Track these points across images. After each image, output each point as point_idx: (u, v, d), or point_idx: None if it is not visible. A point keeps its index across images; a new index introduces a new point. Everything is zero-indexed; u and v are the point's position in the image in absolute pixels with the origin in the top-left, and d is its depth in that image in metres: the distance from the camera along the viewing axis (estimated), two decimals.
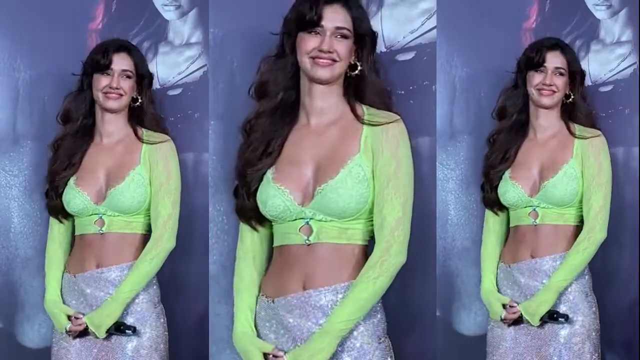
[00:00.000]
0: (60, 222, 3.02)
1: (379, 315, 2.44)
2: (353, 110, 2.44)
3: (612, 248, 3.19)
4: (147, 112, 3.03)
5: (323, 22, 2.39)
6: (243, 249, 2.53)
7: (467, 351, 3.27)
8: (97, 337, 2.90)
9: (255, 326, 2.46)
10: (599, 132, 3.03)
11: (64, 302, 2.97)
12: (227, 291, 3.11)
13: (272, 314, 2.42)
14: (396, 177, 2.38)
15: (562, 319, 2.94)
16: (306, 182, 2.40)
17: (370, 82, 2.47)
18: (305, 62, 2.41)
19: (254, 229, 2.50)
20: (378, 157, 2.39)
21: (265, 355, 2.40)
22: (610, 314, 3.21)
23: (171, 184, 2.99)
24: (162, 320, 2.98)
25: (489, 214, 3.13)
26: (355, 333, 2.38)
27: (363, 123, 2.42)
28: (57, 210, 2.99)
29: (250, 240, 2.52)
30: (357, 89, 2.47)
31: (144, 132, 3.01)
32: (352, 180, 2.37)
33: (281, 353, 2.38)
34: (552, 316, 2.94)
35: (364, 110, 2.44)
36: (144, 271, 2.93)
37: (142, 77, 3.01)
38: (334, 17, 2.40)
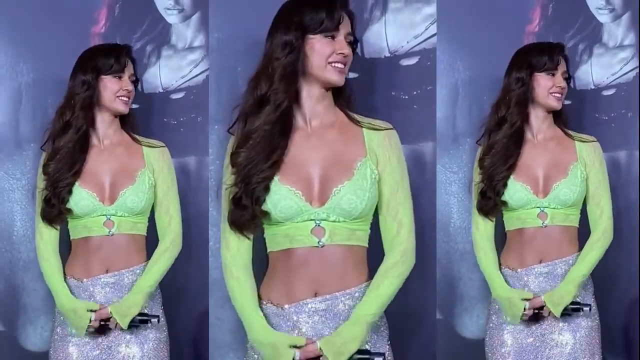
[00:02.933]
0: (55, 228, 2.97)
1: (384, 318, 2.47)
2: (347, 115, 2.48)
3: (615, 250, 3.19)
4: (134, 112, 3.05)
5: (340, 27, 2.41)
6: (231, 254, 2.47)
7: (469, 354, 3.27)
8: (120, 329, 2.90)
9: None
10: (593, 137, 3.06)
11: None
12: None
13: (283, 321, 2.41)
14: (403, 183, 2.46)
15: (586, 308, 2.95)
16: (314, 183, 2.41)
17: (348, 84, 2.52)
18: (320, 65, 2.41)
19: (246, 237, 2.46)
20: (385, 162, 2.44)
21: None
22: (612, 316, 3.22)
23: (175, 189, 3.04)
24: (163, 326, 2.98)
25: (479, 220, 3.08)
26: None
27: (362, 127, 2.46)
28: (54, 216, 2.94)
29: (238, 248, 2.46)
30: (340, 91, 2.50)
31: (138, 137, 3.03)
32: (367, 181, 2.40)
33: (314, 339, 2.36)
34: (575, 307, 2.94)
35: (355, 115, 2.49)
36: (164, 267, 2.96)
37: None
38: (346, 23, 2.43)
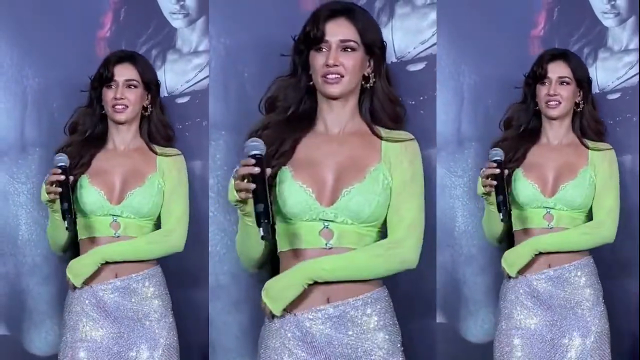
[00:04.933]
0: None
1: (397, 325, 2.46)
2: (370, 127, 2.48)
3: (620, 253, 3.20)
4: (154, 118, 3.05)
5: (327, 37, 2.40)
6: None
7: (473, 358, 3.27)
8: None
9: (272, 348, 2.43)
10: (609, 145, 3.09)
11: (78, 313, 2.95)
12: (237, 300, 3.13)
13: (297, 331, 2.39)
14: (412, 184, 2.43)
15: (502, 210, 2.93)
16: (327, 184, 2.41)
17: (382, 92, 2.49)
18: (317, 79, 2.42)
19: None
20: (396, 166, 2.42)
21: None
22: (621, 321, 3.22)
23: (182, 191, 3.04)
24: (173, 331, 2.99)
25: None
26: (377, 342, 2.39)
27: (382, 139, 2.46)
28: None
29: None
30: (370, 100, 2.49)
31: (157, 147, 3.05)
32: (378, 185, 2.40)
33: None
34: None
35: (380, 129, 2.48)
36: (137, 247, 2.95)
37: (149, 86, 3.02)
38: (337, 31, 2.41)
